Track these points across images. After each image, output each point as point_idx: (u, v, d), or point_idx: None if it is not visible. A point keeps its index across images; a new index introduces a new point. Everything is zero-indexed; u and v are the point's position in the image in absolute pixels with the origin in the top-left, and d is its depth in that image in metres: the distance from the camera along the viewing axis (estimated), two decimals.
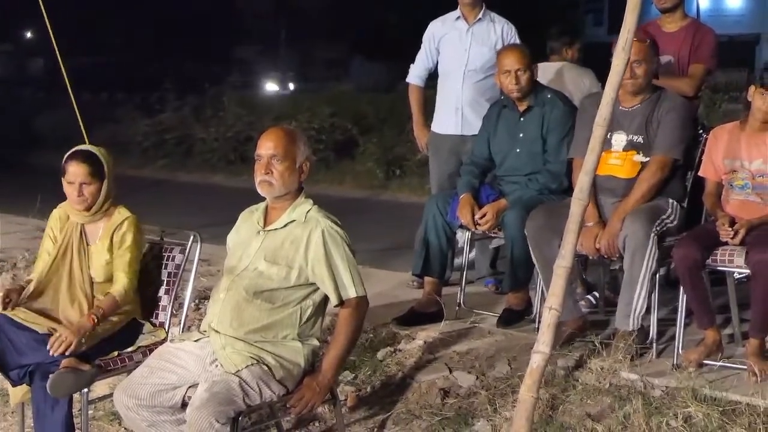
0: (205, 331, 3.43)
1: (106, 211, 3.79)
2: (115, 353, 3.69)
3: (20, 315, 3.63)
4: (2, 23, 24.60)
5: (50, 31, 5.66)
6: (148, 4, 25.31)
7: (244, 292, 3.37)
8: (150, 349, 3.68)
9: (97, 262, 3.75)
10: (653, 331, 4.27)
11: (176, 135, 14.80)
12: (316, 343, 3.46)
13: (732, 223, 4.04)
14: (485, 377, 4.23)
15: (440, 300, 4.91)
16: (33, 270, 3.96)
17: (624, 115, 4.39)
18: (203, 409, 3.07)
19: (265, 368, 3.28)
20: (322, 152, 12.73)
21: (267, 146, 3.40)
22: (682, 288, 4.12)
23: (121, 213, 3.80)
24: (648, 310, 4.25)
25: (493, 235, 4.96)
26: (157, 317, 3.92)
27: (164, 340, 3.76)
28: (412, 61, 5.66)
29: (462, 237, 5.19)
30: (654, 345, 4.25)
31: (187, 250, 3.90)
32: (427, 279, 5.04)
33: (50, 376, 3.41)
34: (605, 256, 4.33)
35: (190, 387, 3.30)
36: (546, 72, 5.30)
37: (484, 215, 4.75)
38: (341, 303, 3.39)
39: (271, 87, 23.70)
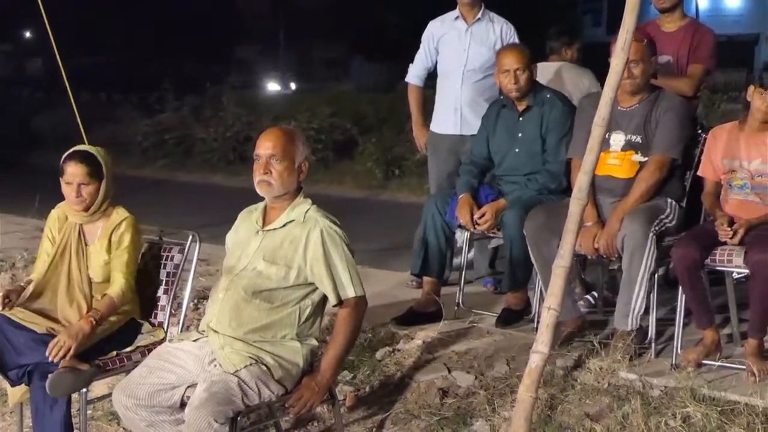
0: (203, 331, 3.43)
1: (104, 211, 3.79)
2: (114, 353, 3.69)
3: (18, 315, 3.63)
4: (1, 23, 24.60)
5: (49, 30, 5.66)
6: (148, 4, 25.32)
7: (242, 292, 3.37)
8: (149, 348, 3.68)
9: (96, 263, 3.75)
10: (652, 331, 4.27)
11: (176, 135, 14.80)
12: (314, 342, 3.46)
13: (731, 222, 4.04)
14: (484, 377, 4.23)
15: (439, 300, 4.91)
16: (32, 270, 3.96)
17: (622, 115, 4.40)
18: (202, 409, 3.07)
19: (264, 368, 3.29)
20: (321, 152, 12.74)
21: (266, 146, 3.40)
22: (680, 288, 4.12)
23: (120, 213, 3.80)
24: (647, 310, 4.25)
25: (492, 234, 4.96)
26: (155, 317, 3.92)
27: (163, 340, 3.76)
28: (412, 61, 5.66)
29: (461, 237, 5.20)
30: (653, 345, 4.25)
31: (186, 250, 3.90)
32: (425, 279, 5.04)
33: (49, 375, 3.41)
34: (604, 256, 4.33)
35: (188, 387, 3.30)
36: (545, 72, 5.30)
37: (483, 215, 4.75)
38: (340, 303, 3.40)
39: (272, 87, 23.70)
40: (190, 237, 3.89)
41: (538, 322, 3.96)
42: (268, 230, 3.44)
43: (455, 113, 5.41)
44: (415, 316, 4.88)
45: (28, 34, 29.34)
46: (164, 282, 3.92)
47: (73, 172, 3.70)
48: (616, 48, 3.43)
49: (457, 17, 5.45)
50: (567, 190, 4.51)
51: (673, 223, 4.30)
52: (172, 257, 3.92)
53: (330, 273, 3.37)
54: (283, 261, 3.38)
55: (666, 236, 4.25)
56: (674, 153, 4.36)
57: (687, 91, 4.76)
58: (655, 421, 3.61)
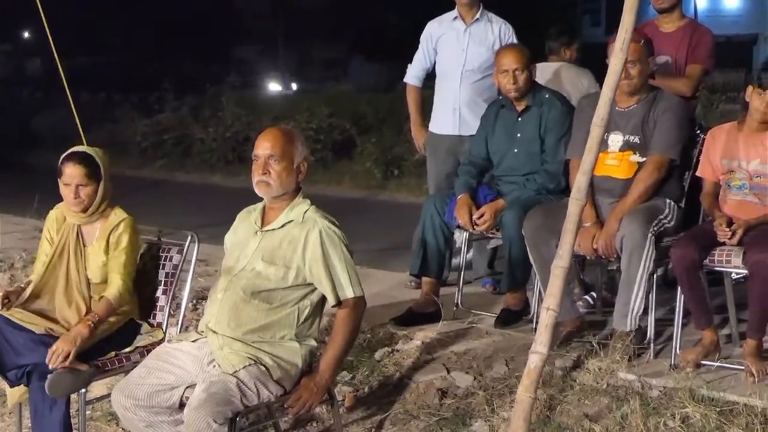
0: (202, 332, 3.43)
1: (102, 212, 3.79)
2: (113, 353, 3.68)
3: (17, 315, 3.62)
4: (1, 23, 24.60)
5: (47, 30, 5.66)
6: (148, 4, 25.33)
7: (241, 293, 3.37)
8: (148, 349, 3.68)
9: (94, 264, 3.75)
10: (651, 331, 4.27)
11: (175, 135, 14.79)
12: (313, 343, 3.46)
13: (729, 223, 4.04)
14: (483, 377, 4.23)
15: (438, 300, 4.91)
16: (31, 271, 3.96)
17: (620, 116, 4.39)
18: (201, 410, 3.07)
19: (263, 368, 3.28)
20: (320, 152, 12.74)
21: (264, 146, 3.40)
22: (679, 288, 4.11)
23: (118, 214, 3.79)
24: (645, 311, 4.25)
25: (490, 235, 4.96)
26: (154, 318, 3.91)
27: (162, 341, 3.75)
28: (411, 61, 5.66)
29: (460, 237, 5.20)
30: (651, 345, 4.24)
31: (185, 251, 3.90)
32: (424, 279, 5.04)
33: (48, 376, 3.41)
34: (603, 257, 4.33)
35: (187, 387, 3.30)
36: (544, 72, 5.30)
37: (481, 215, 4.75)
38: (339, 303, 3.40)
39: (274, 87, 23.70)
40: (189, 237, 3.89)
41: (536, 322, 3.96)
42: (266, 231, 3.44)
43: (454, 114, 5.41)
44: (414, 317, 4.88)
45: (27, 35, 29.34)
46: (163, 282, 3.91)
47: (71, 174, 3.70)
48: (615, 48, 3.43)
49: (455, 17, 5.45)
50: (566, 191, 4.51)
51: (672, 223, 4.30)
52: (171, 258, 3.92)
53: (329, 273, 3.37)
54: (281, 261, 3.38)
55: (665, 237, 4.25)
56: (672, 153, 4.36)
57: (685, 91, 4.76)
58: (654, 421, 3.61)
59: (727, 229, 4.00)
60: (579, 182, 3.46)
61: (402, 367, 4.42)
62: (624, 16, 3.40)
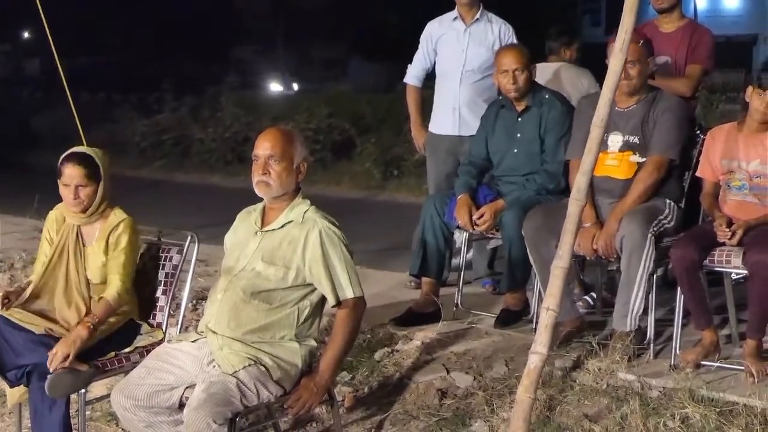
0: (202, 332, 3.43)
1: (102, 212, 3.78)
2: (113, 354, 3.68)
3: (16, 315, 3.62)
4: (0, 23, 24.58)
5: (47, 30, 5.66)
6: (148, 4, 25.31)
7: (241, 293, 3.37)
8: (147, 349, 3.68)
9: (93, 264, 3.75)
10: (650, 331, 4.27)
11: (174, 135, 14.78)
12: (313, 343, 3.46)
13: (729, 223, 4.05)
14: (483, 378, 4.23)
15: (438, 300, 4.91)
16: (31, 271, 3.96)
17: (620, 116, 4.39)
18: (200, 410, 3.07)
19: (263, 369, 3.28)
20: (319, 152, 12.73)
21: (264, 147, 3.40)
22: (679, 288, 4.12)
23: (117, 215, 3.79)
24: (645, 311, 4.25)
25: (490, 235, 4.96)
26: (154, 318, 3.91)
27: (162, 341, 3.75)
28: (411, 61, 5.66)
29: (459, 237, 5.19)
30: (651, 346, 4.24)
31: (185, 251, 3.90)
32: (424, 279, 5.04)
33: (48, 376, 3.41)
34: (602, 257, 4.33)
35: (187, 388, 3.30)
36: (544, 72, 5.30)
37: (481, 216, 4.75)
38: (338, 304, 3.40)
39: (275, 87, 23.67)
40: (189, 237, 3.89)
41: (536, 322, 3.97)
42: (266, 231, 3.44)
43: (454, 114, 5.41)
44: (413, 317, 4.88)
45: (26, 35, 29.33)
46: (163, 283, 3.91)
47: (71, 174, 3.70)
48: (615, 48, 3.43)
49: (455, 18, 5.45)
50: (565, 191, 4.50)
51: (672, 223, 4.30)
52: (171, 258, 3.92)
53: (329, 274, 3.37)
54: (281, 262, 3.38)
55: (664, 237, 4.25)
56: (672, 153, 4.36)
57: (685, 91, 4.76)
58: (653, 421, 3.61)
59: (727, 230, 4.01)
60: (579, 182, 3.46)
61: (402, 367, 4.42)
62: (624, 16, 3.40)
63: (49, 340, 3.54)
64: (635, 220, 4.15)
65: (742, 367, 3.97)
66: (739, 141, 4.20)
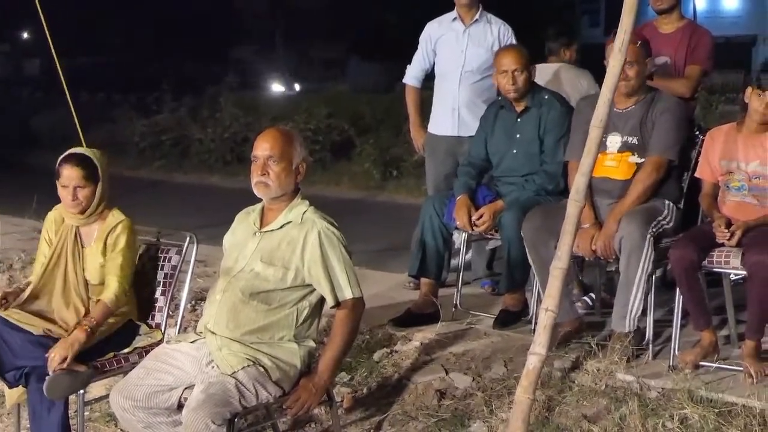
0: (201, 333, 3.43)
1: (100, 213, 3.78)
2: (112, 354, 3.68)
3: (14, 316, 3.62)
4: (0, 23, 24.58)
5: (47, 30, 5.66)
6: (148, 4, 25.30)
7: (240, 294, 3.37)
8: (146, 350, 3.68)
9: (92, 265, 3.75)
10: (649, 332, 4.27)
11: (173, 136, 14.76)
12: (312, 344, 3.46)
13: (728, 224, 4.05)
14: (481, 378, 4.23)
15: (437, 301, 4.91)
16: (30, 272, 3.96)
17: (618, 117, 4.40)
18: (199, 411, 3.07)
19: (261, 369, 3.28)
20: (318, 153, 12.73)
21: (263, 147, 3.40)
22: (678, 289, 4.12)
23: (115, 216, 3.78)
24: (644, 312, 4.25)
25: (489, 236, 4.96)
26: (153, 318, 3.91)
27: (160, 342, 3.75)
28: (411, 61, 5.66)
29: (458, 238, 5.19)
30: (650, 346, 4.24)
31: (184, 251, 3.90)
32: (423, 280, 5.04)
33: (46, 377, 3.41)
34: (601, 258, 4.33)
35: (186, 388, 3.30)
36: (543, 73, 5.30)
37: (480, 216, 4.75)
38: (337, 304, 3.40)
39: (277, 88, 23.66)
40: (188, 238, 3.89)
41: (535, 323, 3.97)
42: (265, 231, 3.44)
43: (453, 114, 5.41)
44: (412, 318, 4.88)
45: (26, 35, 29.31)
46: (162, 283, 3.91)
47: (69, 176, 3.70)
48: (614, 49, 3.43)
49: (454, 18, 5.44)
50: (564, 192, 4.50)
51: (671, 224, 4.30)
52: (170, 258, 3.92)
53: (327, 274, 3.37)
54: (280, 262, 3.38)
55: (663, 238, 4.25)
56: (671, 154, 4.36)
57: (684, 92, 4.77)
58: (652, 422, 3.61)
59: (726, 231, 4.01)
60: (578, 183, 3.46)
61: (400, 368, 4.42)
62: (623, 17, 3.40)
63: (47, 341, 3.54)
64: (634, 220, 4.15)
65: (741, 368, 3.97)
66: (738, 142, 4.20)
